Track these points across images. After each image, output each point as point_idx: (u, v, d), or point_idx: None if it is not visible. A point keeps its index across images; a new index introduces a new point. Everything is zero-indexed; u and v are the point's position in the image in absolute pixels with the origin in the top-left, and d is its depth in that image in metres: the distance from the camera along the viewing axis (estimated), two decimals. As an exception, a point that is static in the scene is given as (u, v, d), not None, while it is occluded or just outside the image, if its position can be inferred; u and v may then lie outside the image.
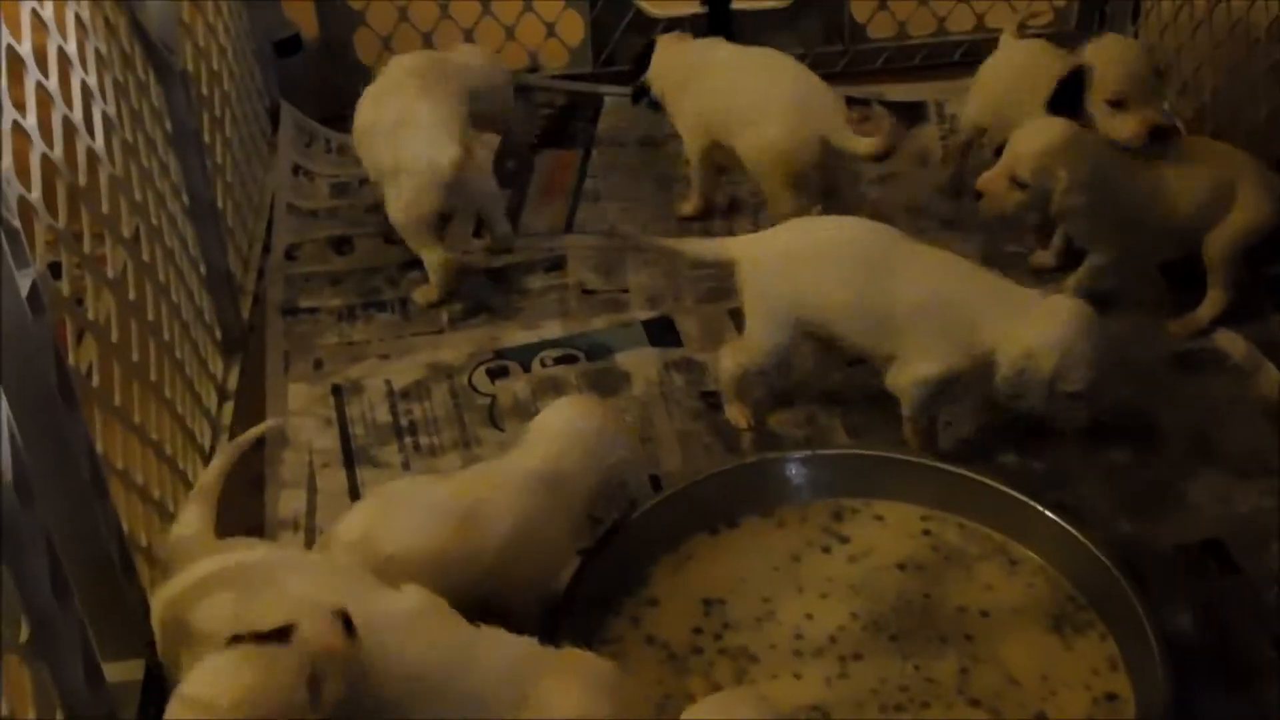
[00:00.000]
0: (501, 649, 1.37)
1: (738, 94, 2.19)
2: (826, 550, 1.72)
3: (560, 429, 1.64)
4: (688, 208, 2.38)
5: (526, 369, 2.09)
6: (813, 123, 2.10)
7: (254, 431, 1.72)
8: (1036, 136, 1.94)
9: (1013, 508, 1.70)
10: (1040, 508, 1.68)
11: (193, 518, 1.54)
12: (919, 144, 2.54)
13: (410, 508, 1.56)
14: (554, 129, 2.66)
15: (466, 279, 2.24)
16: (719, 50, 2.28)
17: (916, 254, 1.80)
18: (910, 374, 1.80)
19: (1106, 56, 2.01)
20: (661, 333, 2.14)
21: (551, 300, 2.23)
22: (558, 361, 2.10)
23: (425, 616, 1.38)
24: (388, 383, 2.08)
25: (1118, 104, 1.97)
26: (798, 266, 1.82)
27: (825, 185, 2.17)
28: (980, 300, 1.75)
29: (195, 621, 1.38)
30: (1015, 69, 2.24)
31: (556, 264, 2.31)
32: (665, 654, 1.60)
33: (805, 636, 1.62)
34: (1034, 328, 1.71)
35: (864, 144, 2.07)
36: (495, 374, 2.08)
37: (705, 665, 1.59)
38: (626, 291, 2.24)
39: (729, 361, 1.91)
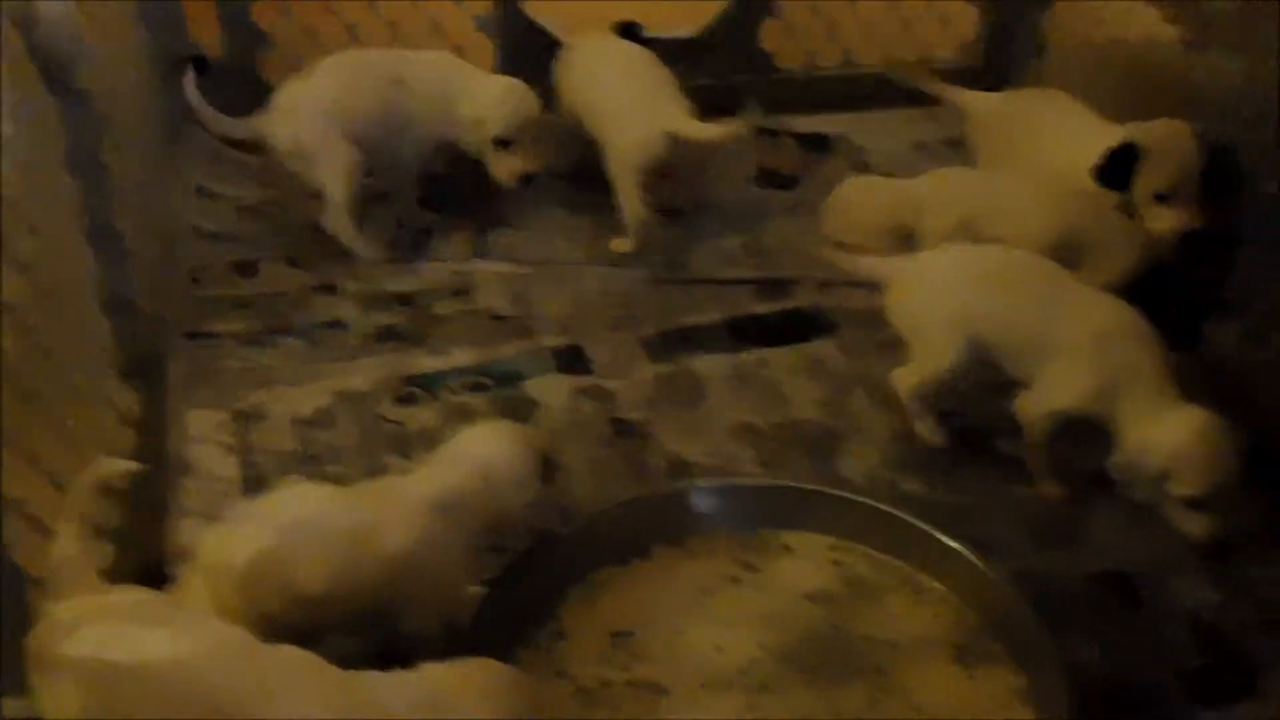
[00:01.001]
0: (399, 683, 1.34)
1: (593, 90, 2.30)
2: (736, 581, 1.72)
3: (470, 455, 1.62)
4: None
5: (436, 397, 2.06)
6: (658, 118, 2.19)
7: (116, 468, 1.57)
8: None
9: (921, 539, 1.71)
10: (947, 539, 1.69)
11: (69, 539, 1.48)
12: (826, 175, 2.55)
13: (296, 529, 1.52)
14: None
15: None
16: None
17: (1081, 290, 1.85)
18: (1045, 403, 1.83)
19: (1164, 144, 1.97)
20: (571, 360, 2.13)
21: (461, 327, 2.20)
22: (468, 389, 2.08)
23: (312, 673, 1.34)
24: (292, 410, 2.04)
25: (1164, 197, 1.96)
26: (972, 288, 1.87)
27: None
28: (1129, 372, 1.76)
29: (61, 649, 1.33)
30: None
31: (465, 290, 2.28)
32: (574, 687, 1.59)
33: (715, 669, 1.61)
34: (1158, 427, 1.72)
35: (708, 131, 2.16)
36: (404, 401, 2.06)
37: (614, 699, 1.58)
38: (534, 317, 2.22)
39: (910, 380, 1.92)
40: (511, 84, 2.27)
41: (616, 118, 2.27)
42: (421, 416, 2.03)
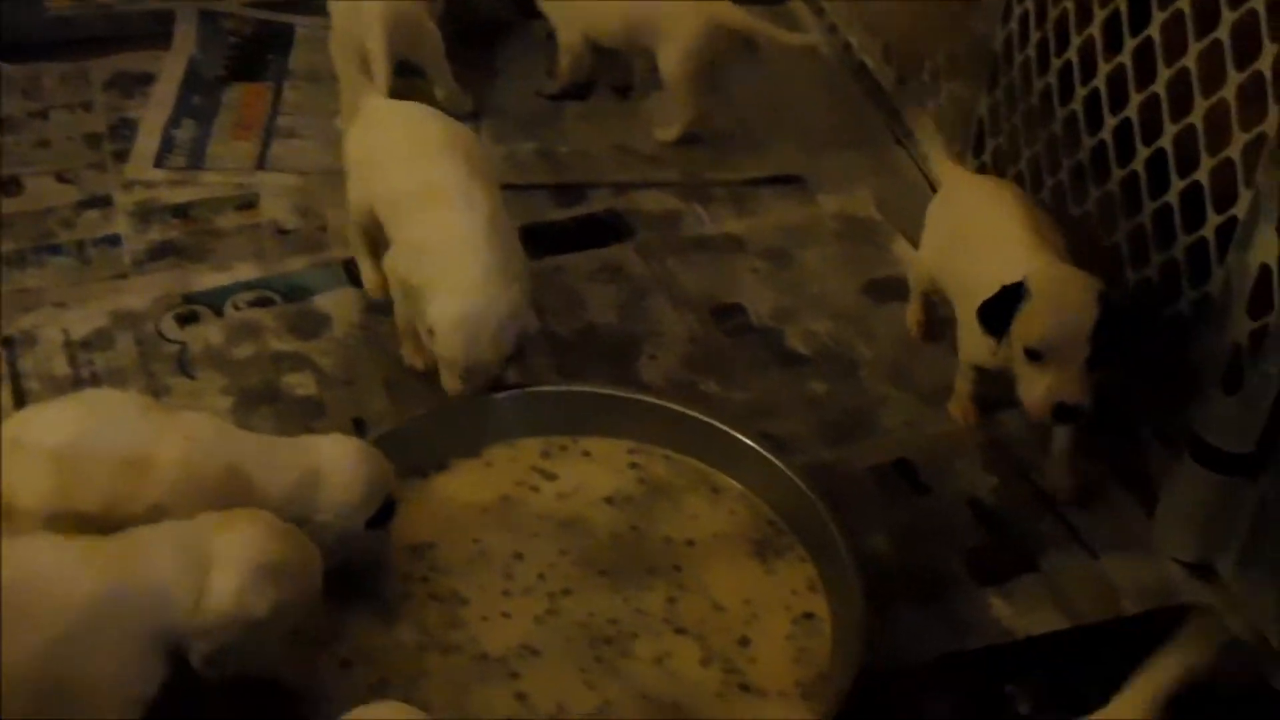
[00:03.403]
0: (162, 537, 1.33)
1: None
2: (535, 489, 1.71)
3: (305, 460, 1.50)
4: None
5: (219, 313, 1.99)
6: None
7: None
8: None
9: (716, 438, 1.73)
10: (742, 437, 1.71)
11: None
12: (616, 77, 2.53)
13: (86, 436, 1.43)
14: (243, 60, 2.53)
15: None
16: None
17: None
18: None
19: (1047, 292, 1.58)
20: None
21: (244, 240, 2.12)
22: (252, 304, 2.00)
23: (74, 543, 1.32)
24: (65, 332, 1.94)
25: (1036, 355, 1.58)
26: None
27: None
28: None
29: None
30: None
31: (249, 202, 2.20)
32: (375, 603, 1.56)
33: (515, 576, 1.60)
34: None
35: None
36: (185, 320, 1.97)
37: (415, 611, 1.56)
38: (325, 230, 2.15)
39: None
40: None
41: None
42: (206, 334, 1.95)
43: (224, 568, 1.31)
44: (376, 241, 1.92)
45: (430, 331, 1.70)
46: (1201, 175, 1.63)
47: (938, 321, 1.96)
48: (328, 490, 1.48)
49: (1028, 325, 1.57)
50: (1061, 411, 1.57)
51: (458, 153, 1.81)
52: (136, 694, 1.29)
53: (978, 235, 1.76)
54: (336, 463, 1.50)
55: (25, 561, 1.29)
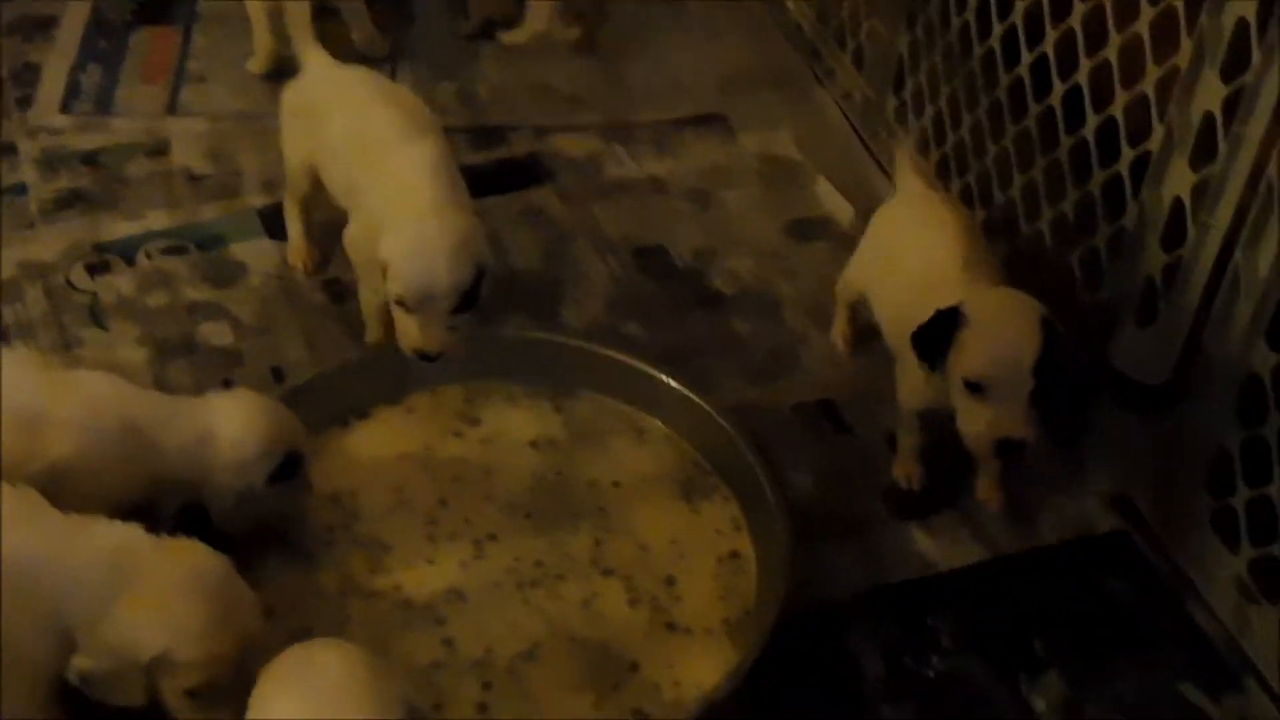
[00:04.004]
0: (101, 537, 1.29)
1: None
2: (459, 435, 1.70)
3: (200, 416, 1.48)
4: None
5: (131, 263, 1.94)
6: None
7: None
8: None
9: (640, 380, 1.72)
10: (666, 379, 1.71)
11: None
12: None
13: None
14: (150, 3, 2.46)
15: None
16: None
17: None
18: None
19: (985, 319, 1.46)
20: (278, 221, 2.02)
21: (155, 188, 2.07)
22: (166, 253, 1.96)
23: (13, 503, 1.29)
24: (-29, 285, 1.89)
25: (976, 388, 1.46)
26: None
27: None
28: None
29: None
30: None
31: (159, 148, 2.14)
32: (298, 552, 1.55)
33: (439, 522, 1.60)
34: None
35: None
36: (96, 270, 1.93)
37: (339, 559, 1.55)
38: (239, 175, 2.11)
39: None
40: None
41: None
42: (118, 285, 1.91)
43: (135, 600, 1.25)
44: (311, 209, 1.88)
45: (385, 270, 1.62)
46: (1116, 110, 1.64)
47: (865, 331, 1.82)
48: (221, 449, 1.46)
49: (966, 355, 1.45)
50: (1005, 448, 1.46)
51: (398, 105, 1.75)
52: (44, 670, 1.27)
53: (910, 255, 1.63)
54: (229, 421, 1.47)
55: None
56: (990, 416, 1.44)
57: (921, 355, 1.49)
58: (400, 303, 1.59)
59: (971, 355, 1.44)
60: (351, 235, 1.74)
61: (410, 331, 1.61)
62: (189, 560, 1.29)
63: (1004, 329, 1.45)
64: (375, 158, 1.69)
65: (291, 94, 1.86)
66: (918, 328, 1.48)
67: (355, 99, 1.77)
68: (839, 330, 1.88)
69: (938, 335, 1.47)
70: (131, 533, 1.30)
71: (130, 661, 1.25)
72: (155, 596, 1.25)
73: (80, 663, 1.27)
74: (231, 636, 1.27)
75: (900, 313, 1.58)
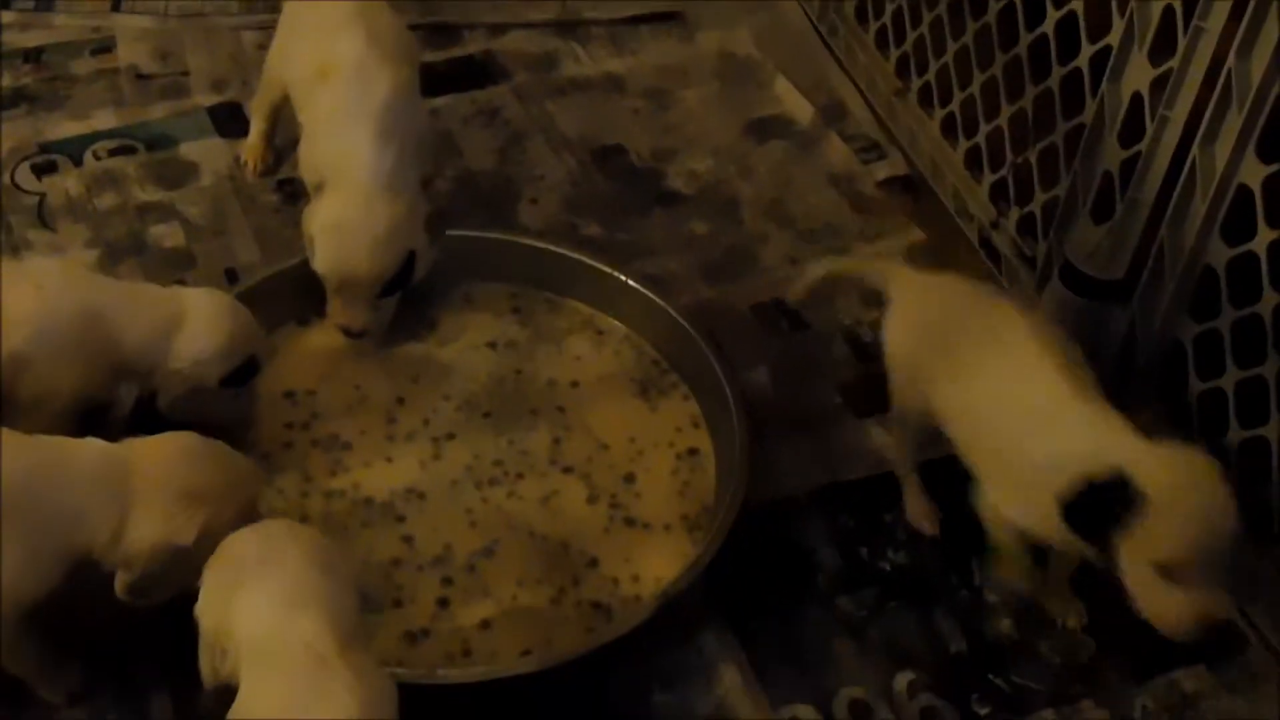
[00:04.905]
0: (86, 454, 1.27)
1: None
2: (415, 336, 1.69)
3: (162, 307, 1.46)
4: None
5: (78, 163, 1.91)
6: None
7: None
8: None
9: (599, 280, 1.72)
10: (624, 278, 1.70)
11: None
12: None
13: None
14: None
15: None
16: None
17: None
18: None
19: (1176, 502, 1.23)
20: (229, 120, 1.99)
21: (101, 87, 2.03)
22: (113, 154, 1.93)
23: None
24: (-86, 186, 1.85)
25: (1168, 571, 1.24)
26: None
27: None
28: None
29: None
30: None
31: (105, 46, 2.09)
32: (256, 454, 1.54)
33: (398, 421, 1.60)
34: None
35: None
36: (42, 170, 1.89)
37: (298, 459, 1.55)
38: (187, 75, 2.07)
39: None
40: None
41: None
42: (64, 185, 1.87)
43: (147, 499, 1.25)
44: (278, 115, 1.84)
45: (309, 242, 1.59)
46: (1076, 4, 1.62)
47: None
48: (184, 339, 1.45)
49: (1155, 539, 1.23)
50: (1211, 630, 1.25)
51: (362, 27, 1.65)
52: (24, 595, 1.25)
53: (989, 365, 1.38)
54: (198, 313, 1.46)
55: None
56: (1190, 601, 1.23)
57: (1081, 534, 1.27)
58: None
59: (1163, 539, 1.23)
60: (302, 155, 1.68)
61: (333, 307, 1.60)
62: (180, 445, 1.29)
63: (1198, 506, 1.23)
64: (323, 93, 1.63)
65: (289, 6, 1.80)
66: (1069, 504, 1.26)
67: (317, 22, 1.70)
68: (917, 508, 1.55)
69: (1101, 512, 1.25)
70: (107, 444, 1.28)
71: (168, 559, 1.25)
72: (166, 489, 1.25)
73: (121, 578, 1.27)
74: (241, 502, 1.28)
75: (984, 432, 1.38)
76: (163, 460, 1.27)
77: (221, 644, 1.12)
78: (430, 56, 2.12)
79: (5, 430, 1.26)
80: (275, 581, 1.12)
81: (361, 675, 1.08)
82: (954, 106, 1.90)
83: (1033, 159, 1.74)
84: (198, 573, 1.19)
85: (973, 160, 1.88)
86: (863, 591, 1.49)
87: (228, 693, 1.10)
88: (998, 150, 1.82)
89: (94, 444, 1.29)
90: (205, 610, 1.14)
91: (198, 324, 1.46)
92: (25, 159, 1.90)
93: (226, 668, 1.12)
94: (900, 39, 2.01)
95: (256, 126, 1.89)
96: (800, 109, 2.07)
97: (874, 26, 2.06)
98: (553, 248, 1.75)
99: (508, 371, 1.66)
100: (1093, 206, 1.64)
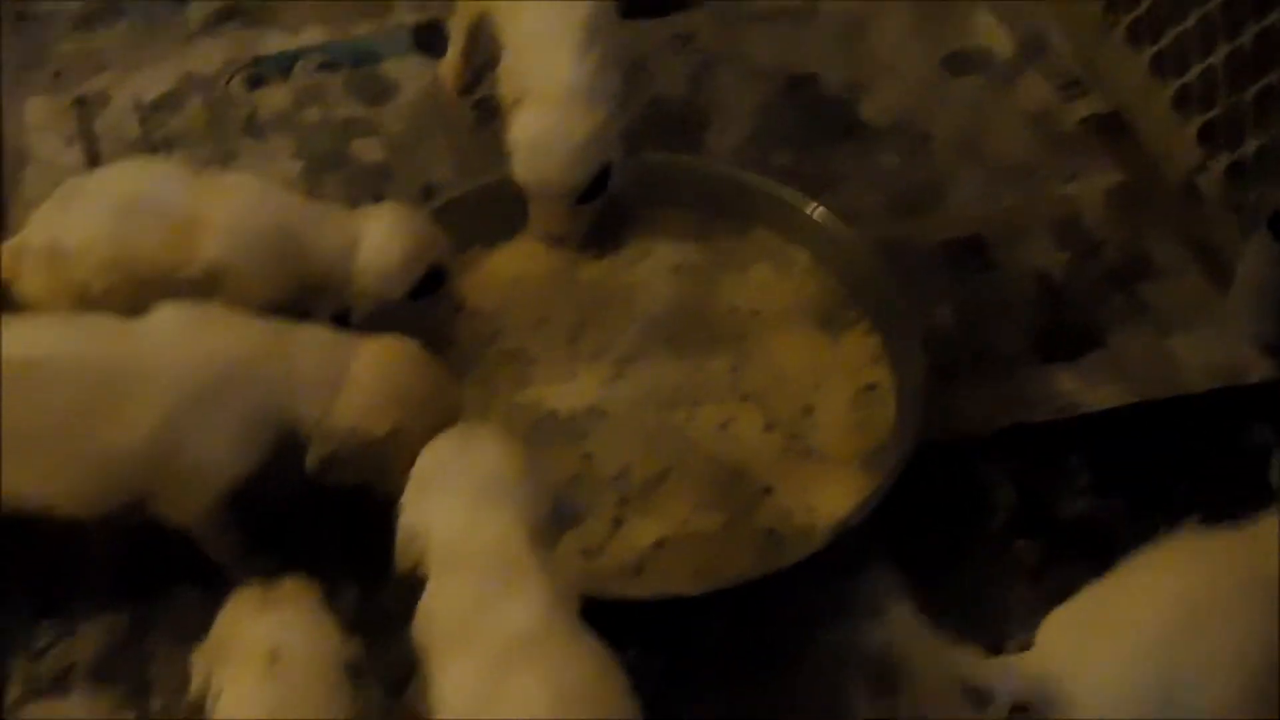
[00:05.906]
0: (311, 337, 1.37)
1: None
2: (600, 257, 1.71)
3: (351, 224, 1.52)
4: None
5: (287, 77, 1.97)
6: None
7: None
8: None
9: (786, 210, 1.71)
10: (812, 208, 1.69)
11: None
12: None
13: (128, 207, 1.46)
14: None
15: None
16: None
17: None
18: None
19: None
20: (431, 38, 2.03)
21: (310, 3, 2.09)
22: (320, 69, 1.99)
23: (209, 316, 1.35)
24: (135, 95, 1.94)
25: None
26: None
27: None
28: None
29: None
30: None
31: (315, -37, 2.16)
32: (445, 361, 1.59)
33: (580, 341, 1.62)
34: None
35: None
36: (253, 83, 1.96)
37: (486, 371, 1.59)
38: (391, -9, 2.12)
39: None
40: None
41: None
42: (273, 98, 1.94)
43: (356, 388, 1.34)
44: (477, 37, 1.87)
45: (511, 149, 1.64)
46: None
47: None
48: (364, 253, 1.50)
49: None
50: None
51: None
52: (232, 474, 1.35)
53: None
54: (377, 228, 1.51)
55: (144, 335, 1.34)
56: None
57: None
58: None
59: None
60: (503, 71, 1.72)
61: (534, 212, 1.65)
62: (399, 348, 1.38)
63: None
64: (528, 8, 1.67)
65: None
66: None
67: None
68: None
69: None
70: (332, 332, 1.39)
71: (359, 446, 1.34)
72: (374, 384, 1.34)
73: (314, 451, 1.35)
74: (440, 411, 1.35)
75: None
76: (379, 357, 1.37)
77: (417, 537, 1.18)
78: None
79: (230, 311, 1.36)
80: (470, 482, 1.17)
81: (549, 575, 1.12)
82: (1164, 43, 1.82)
83: (1248, 100, 1.67)
84: (386, 469, 1.26)
85: (1181, 100, 1.81)
86: (1040, 537, 1.47)
87: (415, 587, 1.16)
88: (1209, 90, 1.74)
89: (321, 329, 1.38)
90: (406, 505, 1.21)
91: (376, 238, 1.51)
92: (238, 72, 1.97)
93: (418, 561, 1.17)
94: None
95: (455, 45, 1.93)
96: (1000, 41, 2.02)
97: (1083, -42, 1.99)
98: (742, 174, 1.75)
99: (690, 297, 1.67)
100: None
